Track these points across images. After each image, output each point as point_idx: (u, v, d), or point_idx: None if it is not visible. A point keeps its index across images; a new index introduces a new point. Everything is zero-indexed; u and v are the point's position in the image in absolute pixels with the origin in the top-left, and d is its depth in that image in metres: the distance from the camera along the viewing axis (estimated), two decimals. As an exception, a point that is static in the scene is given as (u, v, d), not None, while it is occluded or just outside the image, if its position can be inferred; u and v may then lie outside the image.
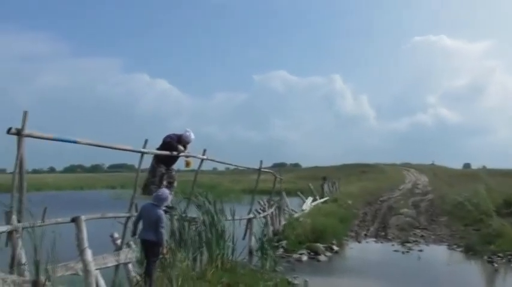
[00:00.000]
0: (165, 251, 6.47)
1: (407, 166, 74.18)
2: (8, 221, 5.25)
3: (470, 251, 12.91)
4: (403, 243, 14.48)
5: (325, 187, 28.07)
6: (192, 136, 9.01)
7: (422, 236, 15.91)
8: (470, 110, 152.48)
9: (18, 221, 5.30)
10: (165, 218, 6.54)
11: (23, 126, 5.21)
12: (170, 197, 6.84)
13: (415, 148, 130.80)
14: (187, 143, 8.97)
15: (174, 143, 8.70)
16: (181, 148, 8.74)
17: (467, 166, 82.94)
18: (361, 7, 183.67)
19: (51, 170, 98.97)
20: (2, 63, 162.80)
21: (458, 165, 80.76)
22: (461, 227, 17.14)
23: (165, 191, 6.66)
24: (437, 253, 13.50)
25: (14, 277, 5.06)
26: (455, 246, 13.95)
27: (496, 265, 11.39)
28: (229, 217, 9.68)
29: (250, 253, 11.60)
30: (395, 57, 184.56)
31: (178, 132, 9.07)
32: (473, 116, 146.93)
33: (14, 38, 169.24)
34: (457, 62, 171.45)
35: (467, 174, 49.41)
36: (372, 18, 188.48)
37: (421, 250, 13.40)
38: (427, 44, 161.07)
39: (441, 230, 17.12)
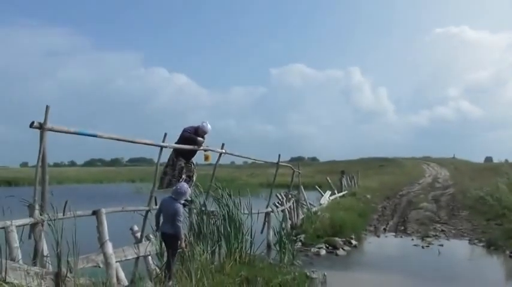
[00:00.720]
0: (183, 244, 6.51)
1: (427, 159, 73.22)
2: (31, 214, 5.35)
3: (492, 246, 12.65)
4: (423, 238, 14.29)
5: (344, 181, 27.89)
6: (209, 127, 9.05)
7: (442, 230, 15.66)
8: (492, 102, 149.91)
9: (41, 214, 5.40)
10: (182, 211, 6.57)
11: (45, 120, 5.28)
12: (189, 191, 6.85)
13: (435, 141, 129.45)
14: (205, 133, 9.04)
15: (194, 137, 8.77)
16: (201, 139, 8.80)
17: (489, 159, 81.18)
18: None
19: (72, 163, 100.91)
20: (26, 57, 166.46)
21: (479, 159, 79.37)
22: (483, 221, 16.83)
23: (184, 185, 6.68)
24: (458, 247, 13.29)
25: (37, 268, 5.16)
26: (476, 241, 13.70)
27: (519, 261, 11.16)
28: (247, 211, 9.69)
29: (269, 246, 11.61)
30: (415, 49, 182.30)
31: (195, 124, 9.13)
32: (496, 109, 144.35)
33: (37, 33, 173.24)
34: (479, 54, 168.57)
35: (489, 168, 48.40)
36: (391, 10, 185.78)
37: (441, 245, 13.20)
38: (448, 36, 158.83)
39: (462, 225, 16.83)
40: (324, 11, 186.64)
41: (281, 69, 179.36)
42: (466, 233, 15.28)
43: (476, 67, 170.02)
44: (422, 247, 13.05)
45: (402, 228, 16.29)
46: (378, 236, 14.98)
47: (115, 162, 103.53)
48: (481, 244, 13.23)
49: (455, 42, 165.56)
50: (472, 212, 19.54)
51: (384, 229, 16.15)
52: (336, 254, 11.95)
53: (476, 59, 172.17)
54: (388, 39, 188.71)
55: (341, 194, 24.37)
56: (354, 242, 13.24)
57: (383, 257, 12.00)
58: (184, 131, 8.91)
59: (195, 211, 8.29)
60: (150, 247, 7.40)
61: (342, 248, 12.41)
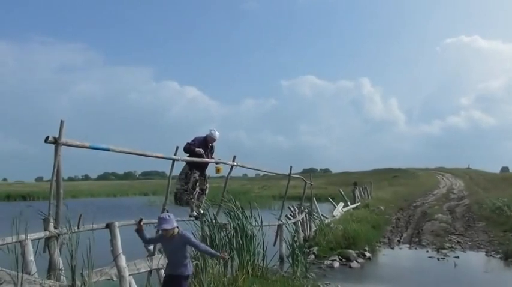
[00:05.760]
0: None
1: (441, 170, 72.29)
2: (46, 228, 5.42)
3: (509, 258, 12.41)
4: (438, 249, 14.08)
5: (356, 192, 27.71)
6: (217, 134, 9.14)
7: (458, 242, 15.41)
8: (506, 112, 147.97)
9: (55, 228, 5.46)
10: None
11: (59, 135, 5.37)
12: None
13: (449, 151, 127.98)
14: (213, 141, 9.11)
15: (192, 148, 8.78)
16: (200, 150, 8.79)
17: (505, 169, 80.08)
18: (390, 9, 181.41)
19: (86, 177, 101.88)
20: (40, 73, 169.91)
21: (495, 169, 78.19)
22: (499, 233, 16.52)
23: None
24: (475, 259, 13.05)
25: (51, 281, 5.21)
26: (493, 253, 13.45)
27: (538, 273, 10.92)
28: (259, 223, 9.68)
29: (281, 259, 11.54)
30: (426, 59, 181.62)
31: (202, 134, 9.18)
32: (509, 118, 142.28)
33: (52, 49, 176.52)
34: (491, 63, 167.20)
35: (506, 178, 47.70)
36: (401, 20, 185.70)
37: (457, 257, 12.98)
38: (460, 45, 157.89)
39: (478, 236, 16.55)
40: (333, 22, 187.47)
41: (292, 81, 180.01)
42: (482, 244, 15.01)
43: (488, 76, 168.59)
44: (438, 259, 12.84)
45: (417, 240, 16.07)
46: (392, 248, 14.79)
47: (128, 175, 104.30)
48: (498, 256, 12.98)
49: (467, 51, 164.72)
50: (488, 224, 19.21)
51: (398, 241, 15.95)
52: (350, 267, 11.81)
53: (488, 68, 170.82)
54: (398, 49, 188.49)
55: (354, 205, 24.19)
56: (367, 254, 13.09)
57: (398, 269, 11.84)
58: (186, 144, 8.90)
59: (206, 223, 8.30)
60: (162, 260, 7.41)
61: (356, 261, 12.27)
